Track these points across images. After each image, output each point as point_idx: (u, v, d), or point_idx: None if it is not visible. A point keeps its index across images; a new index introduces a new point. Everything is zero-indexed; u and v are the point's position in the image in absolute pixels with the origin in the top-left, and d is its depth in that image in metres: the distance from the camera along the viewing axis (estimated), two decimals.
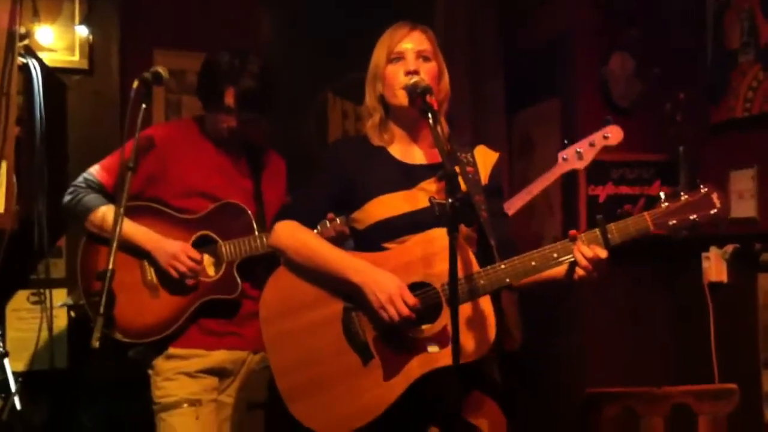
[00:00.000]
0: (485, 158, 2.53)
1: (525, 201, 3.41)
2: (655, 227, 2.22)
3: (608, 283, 3.95)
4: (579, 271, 2.25)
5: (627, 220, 2.24)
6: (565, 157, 3.33)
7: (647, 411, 2.70)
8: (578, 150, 3.30)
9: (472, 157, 2.50)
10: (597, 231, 2.25)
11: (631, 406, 2.71)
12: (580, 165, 3.32)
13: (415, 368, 2.29)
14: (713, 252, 3.76)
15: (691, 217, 2.21)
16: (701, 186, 2.24)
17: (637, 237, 2.25)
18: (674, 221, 2.22)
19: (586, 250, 2.22)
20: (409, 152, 2.51)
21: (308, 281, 2.42)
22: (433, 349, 2.29)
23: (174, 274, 2.91)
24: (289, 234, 2.44)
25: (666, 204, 2.23)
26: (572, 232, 2.28)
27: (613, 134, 3.26)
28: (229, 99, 2.94)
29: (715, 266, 3.77)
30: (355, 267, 2.34)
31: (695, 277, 3.85)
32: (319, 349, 2.37)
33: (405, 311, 2.26)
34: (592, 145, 3.28)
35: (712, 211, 2.21)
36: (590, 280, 2.25)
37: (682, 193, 2.24)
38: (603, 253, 2.21)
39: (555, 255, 2.28)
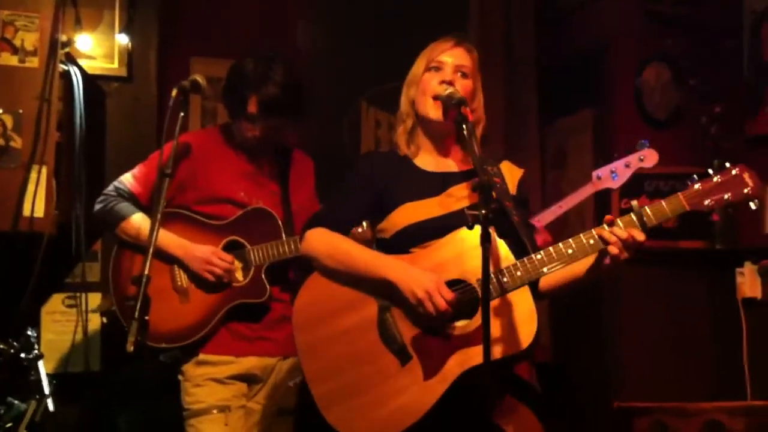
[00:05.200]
0: (511, 173, 2.56)
1: (556, 215, 3.46)
2: (690, 206, 2.23)
3: (644, 295, 3.98)
4: (612, 249, 2.22)
5: (661, 201, 2.25)
6: (599, 176, 3.37)
7: (679, 426, 2.69)
8: (613, 170, 3.33)
9: (499, 170, 2.52)
10: (632, 215, 2.24)
11: (662, 421, 2.70)
12: (614, 185, 3.36)
13: (454, 366, 2.26)
14: (748, 267, 3.73)
15: (725, 197, 2.22)
16: (731, 166, 2.25)
17: (673, 216, 2.25)
18: (709, 201, 2.23)
19: (620, 231, 2.21)
20: (435, 163, 2.52)
21: (342, 285, 2.41)
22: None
23: (210, 278, 2.94)
24: (321, 239, 2.44)
25: (698, 185, 2.24)
26: (608, 217, 2.27)
27: (649, 157, 3.29)
28: (252, 107, 2.94)
29: (749, 282, 3.74)
30: (391, 265, 2.33)
31: (730, 292, 3.82)
32: (354, 354, 2.34)
33: (443, 305, 2.23)
34: (627, 166, 3.32)
35: (745, 190, 2.22)
36: (618, 263, 2.23)
37: (713, 175, 2.24)
38: (640, 236, 2.21)
39: (591, 242, 2.26)
